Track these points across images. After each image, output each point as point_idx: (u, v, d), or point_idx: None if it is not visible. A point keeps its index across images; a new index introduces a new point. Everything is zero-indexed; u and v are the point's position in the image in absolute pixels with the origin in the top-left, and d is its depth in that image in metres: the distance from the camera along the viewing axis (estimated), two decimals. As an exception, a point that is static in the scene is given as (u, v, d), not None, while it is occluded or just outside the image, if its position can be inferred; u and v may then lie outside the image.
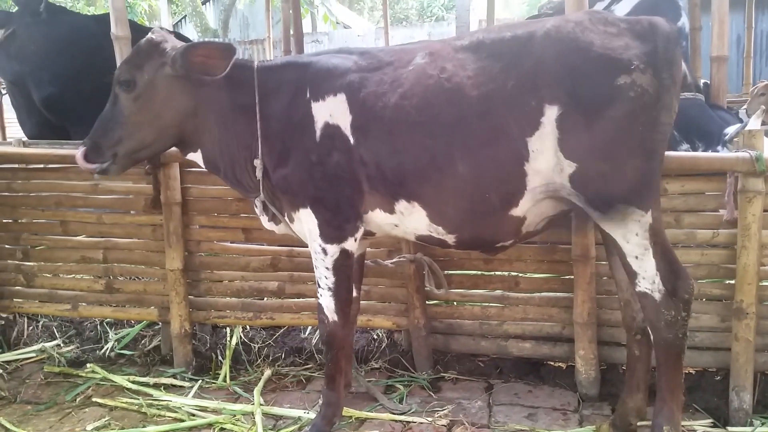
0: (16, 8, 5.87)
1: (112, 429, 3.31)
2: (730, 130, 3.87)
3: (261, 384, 3.66)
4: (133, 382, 3.75)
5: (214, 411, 3.42)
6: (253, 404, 3.44)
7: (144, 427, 3.30)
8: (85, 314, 4.23)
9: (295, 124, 2.88)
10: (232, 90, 2.96)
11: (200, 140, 3.03)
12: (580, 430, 3.14)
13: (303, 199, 2.91)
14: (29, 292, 4.27)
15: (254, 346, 4.02)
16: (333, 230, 2.91)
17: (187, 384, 3.77)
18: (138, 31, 4.20)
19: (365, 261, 3.43)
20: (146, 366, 4.05)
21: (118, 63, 3.55)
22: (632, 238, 2.57)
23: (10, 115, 7.36)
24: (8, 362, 4.10)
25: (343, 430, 3.24)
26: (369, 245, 3.53)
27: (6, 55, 5.69)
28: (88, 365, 3.97)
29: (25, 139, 4.81)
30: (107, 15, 4.02)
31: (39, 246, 4.26)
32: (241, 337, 4.05)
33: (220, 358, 3.99)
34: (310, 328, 4.03)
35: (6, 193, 4.19)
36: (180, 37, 3.46)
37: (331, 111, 2.81)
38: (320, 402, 3.21)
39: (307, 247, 3.06)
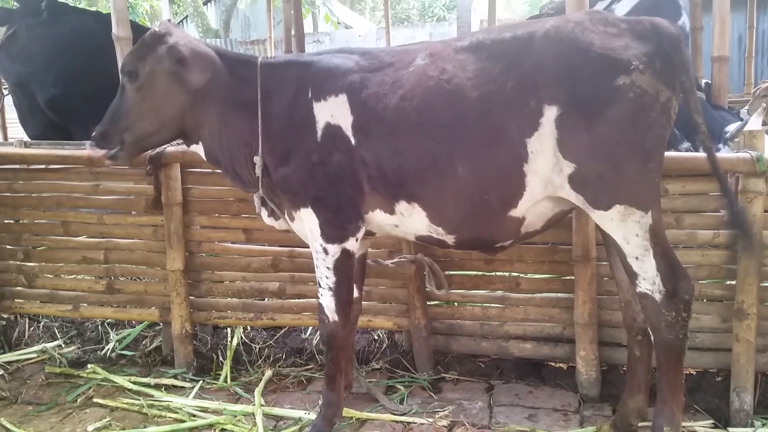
0: (17, 6, 5.88)
1: (113, 429, 3.31)
2: (732, 128, 3.87)
3: (262, 385, 3.66)
4: (134, 383, 3.75)
5: (215, 412, 3.42)
6: (254, 405, 3.45)
7: (145, 427, 3.30)
8: (86, 315, 4.23)
9: (297, 123, 2.88)
10: (234, 85, 2.96)
11: (200, 133, 3.04)
12: (581, 431, 3.14)
13: (304, 198, 2.91)
14: (30, 293, 4.27)
15: (255, 347, 4.02)
16: (334, 230, 2.91)
17: (188, 384, 3.77)
18: (139, 31, 4.20)
19: (366, 261, 3.43)
20: (147, 366, 4.05)
21: (119, 64, 3.56)
22: (632, 239, 2.57)
23: (11, 115, 7.37)
24: (9, 363, 4.11)
25: (344, 430, 3.24)
26: (370, 245, 3.53)
27: (8, 56, 5.69)
28: (89, 366, 3.98)
29: (26, 139, 4.82)
30: (109, 14, 4.02)
31: (40, 246, 4.26)
32: (241, 338, 4.05)
33: (220, 358, 3.99)
34: (311, 328, 4.03)
35: (7, 194, 4.19)
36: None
37: (333, 111, 2.81)
38: (320, 402, 3.21)
39: (308, 247, 3.06)
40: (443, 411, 3.35)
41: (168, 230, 3.85)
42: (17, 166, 4.16)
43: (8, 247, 4.29)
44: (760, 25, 11.49)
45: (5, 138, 7.22)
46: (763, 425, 3.11)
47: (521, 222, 2.73)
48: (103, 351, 4.18)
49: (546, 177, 2.59)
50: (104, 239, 4.10)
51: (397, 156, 2.73)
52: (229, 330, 4.10)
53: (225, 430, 3.27)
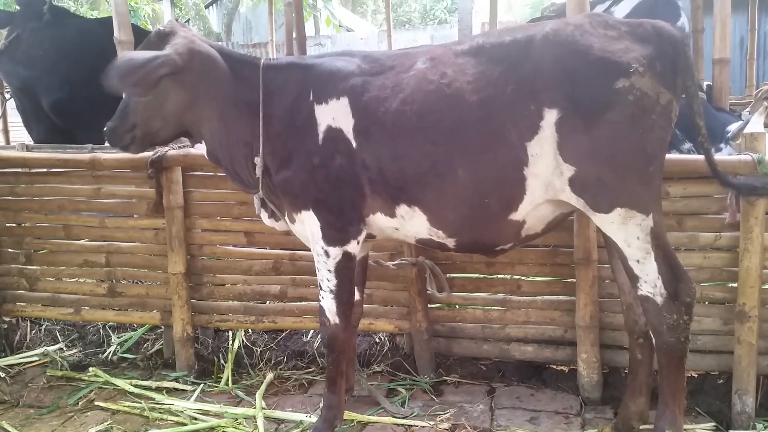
0: (18, 9, 5.89)
1: (114, 432, 3.32)
2: (733, 127, 3.87)
3: (263, 388, 3.66)
4: (136, 386, 3.75)
5: (216, 415, 3.42)
6: (255, 408, 3.45)
7: (146, 430, 3.30)
8: (88, 318, 4.23)
9: (298, 126, 2.88)
10: (235, 86, 2.97)
11: (201, 132, 3.04)
12: (583, 433, 3.14)
13: (305, 201, 2.91)
14: (32, 296, 4.27)
15: (256, 350, 4.02)
16: (336, 233, 2.91)
17: (189, 388, 3.77)
18: (141, 35, 4.21)
19: (368, 263, 3.43)
20: (148, 370, 4.06)
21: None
22: (633, 242, 2.56)
23: (13, 119, 7.39)
24: (11, 366, 4.11)
25: (345, 433, 3.24)
26: (371, 248, 3.53)
27: (12, 60, 5.70)
28: (90, 369, 3.98)
29: (28, 143, 4.83)
30: (111, 18, 4.04)
31: (42, 250, 4.27)
32: (243, 341, 4.05)
33: (222, 361, 3.99)
34: (312, 331, 4.03)
35: (9, 197, 4.21)
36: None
37: (334, 114, 2.82)
38: (322, 405, 3.21)
39: (309, 250, 3.06)
40: (444, 414, 3.35)
41: (169, 233, 3.86)
42: (19, 170, 4.18)
43: (10, 250, 4.30)
44: (762, 27, 11.48)
45: (7, 142, 7.24)
46: (765, 428, 3.10)
47: (522, 225, 2.73)
48: (105, 354, 4.19)
49: (546, 180, 2.58)
50: (106, 242, 4.11)
51: (398, 159, 2.73)
52: (230, 333, 4.10)
53: (226, 433, 3.27)
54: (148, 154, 3.74)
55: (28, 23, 5.70)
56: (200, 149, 3.14)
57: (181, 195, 3.84)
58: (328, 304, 3.01)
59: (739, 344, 3.13)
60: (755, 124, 3.70)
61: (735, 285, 3.16)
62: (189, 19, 19.46)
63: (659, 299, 2.59)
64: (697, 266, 3.23)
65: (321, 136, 2.83)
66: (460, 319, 3.73)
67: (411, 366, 3.81)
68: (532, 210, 2.68)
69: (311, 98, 2.86)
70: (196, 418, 3.40)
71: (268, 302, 3.96)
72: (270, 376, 3.80)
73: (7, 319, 4.36)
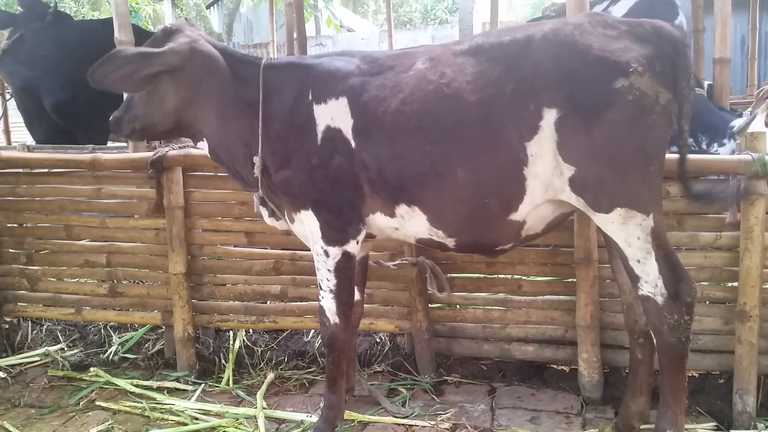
0: (21, 10, 5.90)
1: (115, 433, 3.32)
2: (737, 122, 3.87)
3: (264, 387, 3.66)
4: (137, 386, 3.76)
5: (217, 414, 3.43)
6: (256, 408, 3.45)
7: (147, 430, 3.31)
8: (89, 318, 4.24)
9: (297, 126, 2.88)
10: (236, 85, 2.97)
11: (201, 130, 3.06)
12: (583, 433, 3.14)
13: (304, 201, 2.91)
14: (33, 296, 4.28)
15: (257, 350, 4.02)
16: (335, 232, 2.91)
17: (190, 387, 3.77)
18: (142, 35, 4.22)
19: (368, 263, 3.44)
20: (149, 369, 4.06)
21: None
22: (634, 242, 2.56)
23: (14, 119, 7.40)
24: (12, 366, 4.12)
25: (346, 433, 3.24)
26: (371, 248, 3.53)
27: (14, 60, 5.72)
28: (91, 369, 3.98)
29: (29, 143, 4.84)
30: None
31: (43, 250, 4.28)
32: (244, 341, 4.05)
33: (223, 361, 4.00)
34: (312, 331, 4.03)
35: (10, 198, 4.21)
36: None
37: (333, 114, 2.82)
38: (322, 405, 3.21)
39: (309, 250, 3.07)
40: (445, 414, 3.35)
41: (170, 233, 3.86)
42: (20, 170, 4.18)
43: (11, 250, 4.30)
44: (763, 27, 11.47)
45: (9, 142, 7.25)
46: (766, 427, 3.10)
47: (522, 225, 2.73)
48: (106, 354, 4.19)
49: (546, 180, 2.58)
50: (106, 243, 4.12)
51: (397, 159, 2.73)
52: (231, 333, 4.10)
53: (227, 433, 3.27)
54: (148, 154, 3.75)
55: (30, 24, 5.72)
56: (202, 149, 3.15)
57: (182, 195, 3.85)
58: (328, 303, 3.01)
59: (740, 344, 3.13)
60: (758, 123, 3.70)
61: (736, 284, 3.16)
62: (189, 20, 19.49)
63: (660, 299, 2.59)
64: (698, 266, 3.23)
65: (320, 136, 2.83)
66: (460, 319, 3.73)
67: (412, 366, 3.81)
68: (532, 210, 2.67)
69: (310, 98, 2.87)
70: (197, 418, 3.40)
71: (268, 302, 3.97)
72: (271, 376, 3.80)
73: (8, 319, 4.37)
